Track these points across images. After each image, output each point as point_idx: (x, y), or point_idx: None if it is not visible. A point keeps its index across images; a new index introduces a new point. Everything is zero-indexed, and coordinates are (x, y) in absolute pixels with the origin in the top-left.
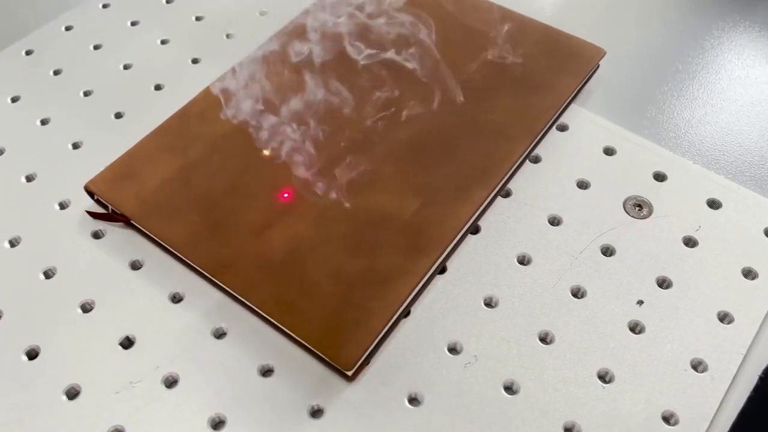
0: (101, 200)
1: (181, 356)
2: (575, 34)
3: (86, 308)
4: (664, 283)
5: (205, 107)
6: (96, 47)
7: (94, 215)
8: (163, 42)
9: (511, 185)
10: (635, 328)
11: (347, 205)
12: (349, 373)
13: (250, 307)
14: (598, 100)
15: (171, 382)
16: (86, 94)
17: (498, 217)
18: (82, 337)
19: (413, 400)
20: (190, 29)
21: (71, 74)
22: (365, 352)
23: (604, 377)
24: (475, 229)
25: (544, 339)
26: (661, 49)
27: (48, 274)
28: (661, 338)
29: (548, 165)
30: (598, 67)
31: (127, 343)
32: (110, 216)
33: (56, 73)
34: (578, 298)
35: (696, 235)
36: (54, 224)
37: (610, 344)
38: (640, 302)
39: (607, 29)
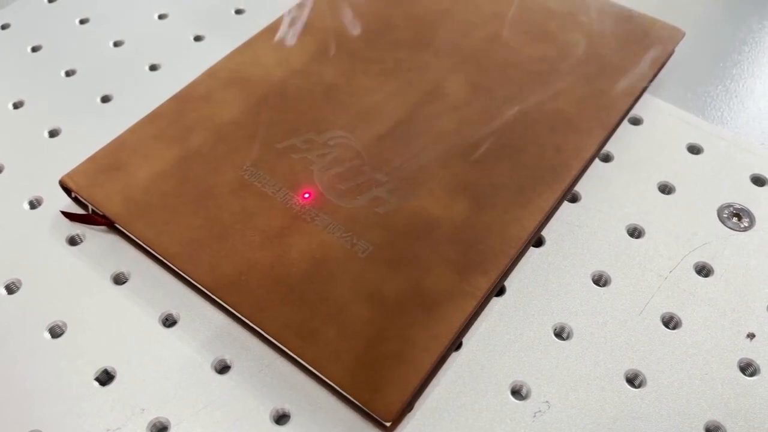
0: (80, 198)
1: (172, 396)
2: (646, 12)
3: (56, 332)
4: None
5: (210, 87)
6: (83, 21)
7: (70, 216)
8: (162, 17)
9: (578, 188)
10: (747, 368)
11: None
12: (388, 424)
13: (260, 334)
14: (673, 89)
15: (159, 430)
16: (69, 73)
17: (565, 226)
18: (49, 369)
19: None
20: (193, 2)
21: (52, 51)
22: (409, 396)
23: None
24: (538, 241)
25: (633, 381)
26: (747, 30)
27: (11, 289)
28: None
29: (622, 164)
30: (673, 51)
31: (105, 377)
32: (90, 218)
33: (35, 49)
34: (671, 328)
35: None
36: (21, 227)
37: (717, 388)
38: (751, 335)
39: (680, 6)
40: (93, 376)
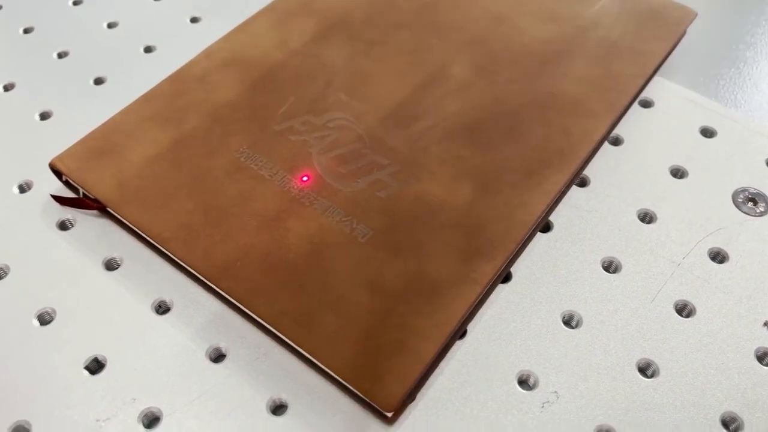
0: (71, 181)
1: (165, 385)
2: None
3: (45, 319)
4: None
5: (206, 68)
6: (76, 2)
7: (61, 200)
8: None
9: (587, 172)
10: (764, 357)
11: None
12: (389, 414)
13: (257, 321)
14: (685, 71)
15: (151, 420)
16: (61, 55)
17: (574, 211)
18: (37, 357)
19: None
20: None
21: (44, 33)
22: (411, 386)
23: (729, 424)
24: (545, 226)
25: (645, 371)
26: (760, 12)
27: None
28: None
29: (632, 148)
30: (685, 32)
31: (96, 366)
32: (81, 201)
33: (26, 31)
34: (685, 316)
35: None
36: (10, 211)
37: (734, 378)
38: None
39: None
40: (83, 365)
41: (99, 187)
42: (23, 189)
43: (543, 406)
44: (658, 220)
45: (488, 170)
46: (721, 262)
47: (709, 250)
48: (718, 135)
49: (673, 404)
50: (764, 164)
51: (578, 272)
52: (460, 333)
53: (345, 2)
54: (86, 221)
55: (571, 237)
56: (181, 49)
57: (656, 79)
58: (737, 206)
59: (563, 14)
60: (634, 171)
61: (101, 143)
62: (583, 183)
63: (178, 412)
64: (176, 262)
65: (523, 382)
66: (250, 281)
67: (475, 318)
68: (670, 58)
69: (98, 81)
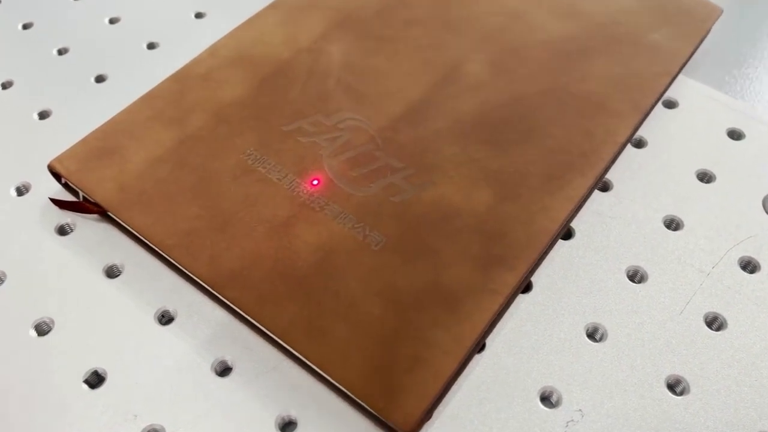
0: (70, 184)
1: (168, 400)
2: None
3: (42, 329)
4: None
5: (211, 66)
6: None
7: (60, 204)
8: None
9: (609, 176)
10: None
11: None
12: None
13: (265, 332)
14: (709, 70)
15: None
16: (61, 52)
17: (596, 217)
18: (34, 370)
19: None
20: None
21: (44, 28)
22: (429, 404)
23: None
24: (567, 233)
25: (675, 387)
26: None
27: None
28: None
29: (656, 150)
30: (710, 30)
31: (96, 380)
32: (81, 205)
33: (26, 27)
34: (716, 329)
35: None
36: (7, 214)
37: None
38: None
39: None
40: (82, 378)
41: (99, 190)
42: (21, 191)
43: (567, 425)
44: (685, 227)
45: (507, 173)
46: (752, 271)
47: (740, 258)
48: (746, 137)
49: (705, 424)
50: None
51: (602, 282)
52: (479, 346)
53: None
54: (86, 226)
55: (594, 244)
56: (186, 45)
57: (680, 78)
58: None
59: (583, 10)
60: (658, 175)
61: (102, 144)
62: (605, 187)
63: (182, 429)
64: (180, 269)
65: (546, 399)
66: (258, 290)
67: (494, 330)
68: (693, 56)
69: (99, 79)
